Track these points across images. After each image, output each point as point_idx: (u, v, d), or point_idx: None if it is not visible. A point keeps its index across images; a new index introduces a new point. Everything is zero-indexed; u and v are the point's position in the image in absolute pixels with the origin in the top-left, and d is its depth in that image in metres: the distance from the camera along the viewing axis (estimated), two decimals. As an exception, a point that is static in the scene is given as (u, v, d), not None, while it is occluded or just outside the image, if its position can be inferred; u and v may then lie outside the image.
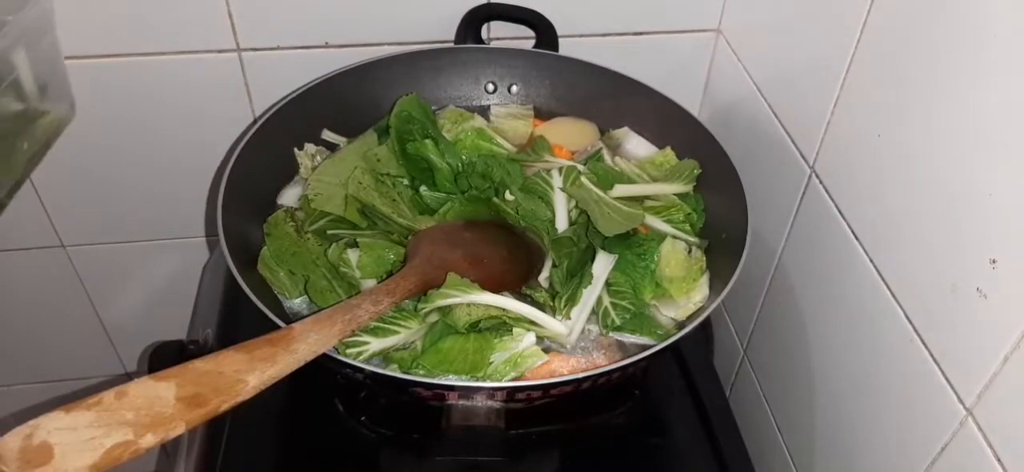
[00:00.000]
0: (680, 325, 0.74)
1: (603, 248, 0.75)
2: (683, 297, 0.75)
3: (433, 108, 0.89)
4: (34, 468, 0.44)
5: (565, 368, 0.69)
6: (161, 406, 0.49)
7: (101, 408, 0.48)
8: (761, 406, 0.92)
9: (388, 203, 0.77)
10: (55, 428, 0.46)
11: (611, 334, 0.72)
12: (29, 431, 0.45)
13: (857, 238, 0.70)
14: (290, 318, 0.72)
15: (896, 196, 0.64)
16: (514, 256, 0.76)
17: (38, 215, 1.03)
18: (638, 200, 0.81)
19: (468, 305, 0.68)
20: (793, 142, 0.80)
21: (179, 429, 0.49)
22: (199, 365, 0.53)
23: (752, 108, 0.89)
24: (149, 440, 0.48)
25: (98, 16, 0.87)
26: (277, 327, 0.60)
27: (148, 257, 1.13)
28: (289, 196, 0.83)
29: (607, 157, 0.86)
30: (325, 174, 0.79)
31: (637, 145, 0.90)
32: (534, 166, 0.82)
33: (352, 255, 0.74)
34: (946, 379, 0.59)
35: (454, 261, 0.71)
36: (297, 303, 0.74)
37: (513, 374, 0.67)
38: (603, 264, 0.73)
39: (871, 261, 0.68)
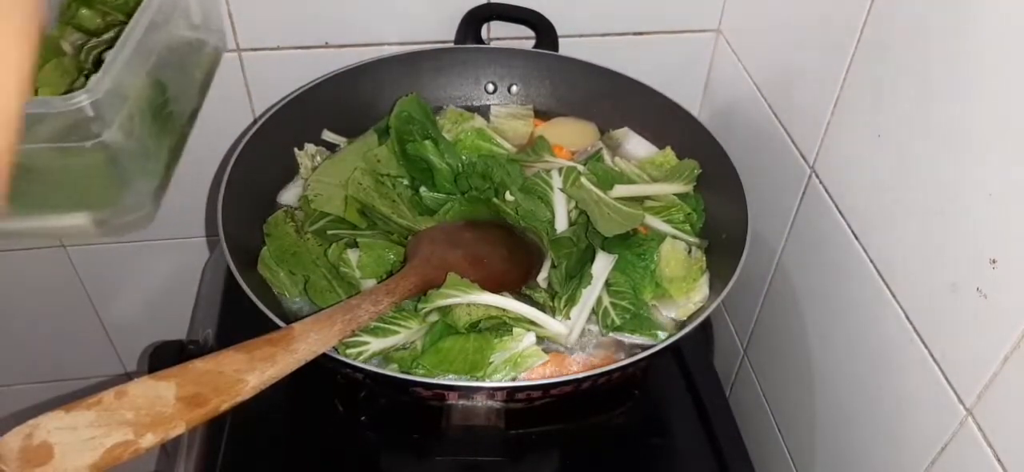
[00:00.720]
0: (680, 325, 0.74)
1: (603, 248, 0.75)
2: (683, 297, 0.75)
3: (433, 108, 0.89)
4: (34, 467, 0.44)
5: (565, 368, 0.69)
6: (161, 406, 0.49)
7: (101, 408, 0.48)
8: (761, 406, 0.92)
9: (388, 204, 0.77)
10: (55, 427, 0.46)
11: (611, 334, 0.72)
12: (29, 430, 0.45)
13: (857, 238, 0.70)
14: (290, 318, 0.72)
15: (896, 196, 0.64)
16: (514, 256, 0.76)
17: (38, 215, 1.03)
18: (638, 200, 0.81)
19: (468, 305, 0.68)
20: (793, 142, 0.80)
21: (179, 429, 0.49)
22: (199, 365, 0.53)
23: (752, 108, 0.89)
24: (149, 440, 0.48)
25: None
26: (277, 327, 0.60)
27: (148, 257, 1.13)
28: (289, 196, 0.83)
29: (607, 157, 0.86)
30: (325, 175, 0.79)
31: (637, 145, 0.90)
32: (534, 166, 0.82)
33: (352, 255, 0.74)
34: (946, 379, 0.59)
35: (454, 261, 0.71)
36: (297, 303, 0.74)
37: (513, 374, 0.67)
38: (603, 264, 0.73)
39: (871, 261, 0.68)
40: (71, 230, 0.66)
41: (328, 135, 0.89)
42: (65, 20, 0.78)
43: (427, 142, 0.80)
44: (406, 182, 0.81)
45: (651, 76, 0.90)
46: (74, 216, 0.66)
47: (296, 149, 0.86)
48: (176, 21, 0.74)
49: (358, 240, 0.74)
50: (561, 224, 0.78)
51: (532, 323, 0.69)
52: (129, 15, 0.68)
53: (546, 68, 0.94)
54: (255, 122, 0.83)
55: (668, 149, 0.88)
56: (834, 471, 0.77)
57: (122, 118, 0.62)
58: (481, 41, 0.94)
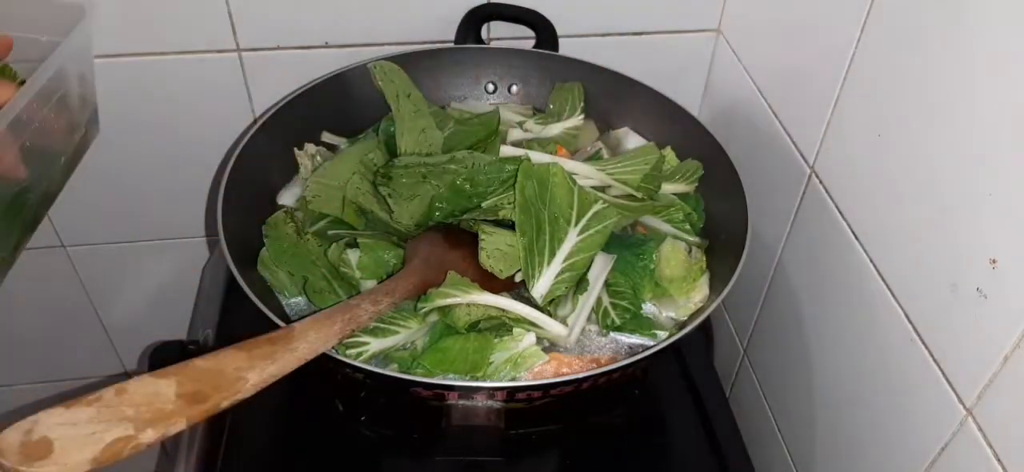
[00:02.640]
0: (680, 325, 0.74)
1: (602, 249, 0.75)
2: (683, 297, 0.75)
3: (437, 108, 0.89)
4: (33, 462, 0.44)
5: (565, 368, 0.69)
6: (161, 402, 0.49)
7: (101, 404, 0.48)
8: (761, 406, 0.92)
9: (385, 208, 0.77)
10: (55, 423, 0.46)
11: (611, 334, 0.72)
12: (29, 426, 0.45)
13: (857, 238, 0.70)
14: (290, 318, 0.72)
15: (896, 196, 0.64)
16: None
17: (38, 215, 1.03)
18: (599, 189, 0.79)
19: (468, 305, 0.68)
20: (793, 142, 0.80)
21: (180, 425, 0.49)
22: (200, 363, 0.53)
23: (752, 108, 0.89)
24: (150, 435, 0.48)
25: (97, 16, 0.87)
26: (277, 327, 0.60)
27: (148, 257, 1.13)
28: (289, 196, 0.83)
29: (607, 157, 0.86)
30: (324, 176, 0.79)
31: (637, 145, 0.90)
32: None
33: (352, 255, 0.74)
34: (946, 379, 0.59)
35: (453, 261, 0.71)
36: (297, 303, 0.74)
37: (513, 374, 0.67)
38: (601, 265, 0.73)
39: (871, 261, 0.68)
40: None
41: (328, 136, 0.89)
42: None
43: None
44: None
45: (651, 76, 0.90)
46: None
47: (296, 149, 0.86)
48: (48, 112, 0.70)
49: (358, 240, 0.74)
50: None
51: (532, 324, 0.69)
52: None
53: (546, 68, 0.94)
54: (255, 122, 0.83)
55: (668, 149, 0.88)
56: (834, 471, 0.77)
57: None
58: (481, 41, 0.94)
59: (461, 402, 0.68)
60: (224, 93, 0.95)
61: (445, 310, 0.68)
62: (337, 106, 0.88)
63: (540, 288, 0.69)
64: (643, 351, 0.67)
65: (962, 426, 0.58)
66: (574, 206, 0.71)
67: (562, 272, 0.70)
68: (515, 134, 0.88)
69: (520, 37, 0.95)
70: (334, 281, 0.73)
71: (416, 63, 0.91)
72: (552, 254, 0.70)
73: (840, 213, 0.72)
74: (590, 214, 0.71)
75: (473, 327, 0.69)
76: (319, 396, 0.78)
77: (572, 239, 0.71)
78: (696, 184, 0.85)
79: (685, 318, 0.74)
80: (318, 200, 0.77)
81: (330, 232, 0.78)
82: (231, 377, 0.53)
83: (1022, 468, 0.53)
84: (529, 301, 0.71)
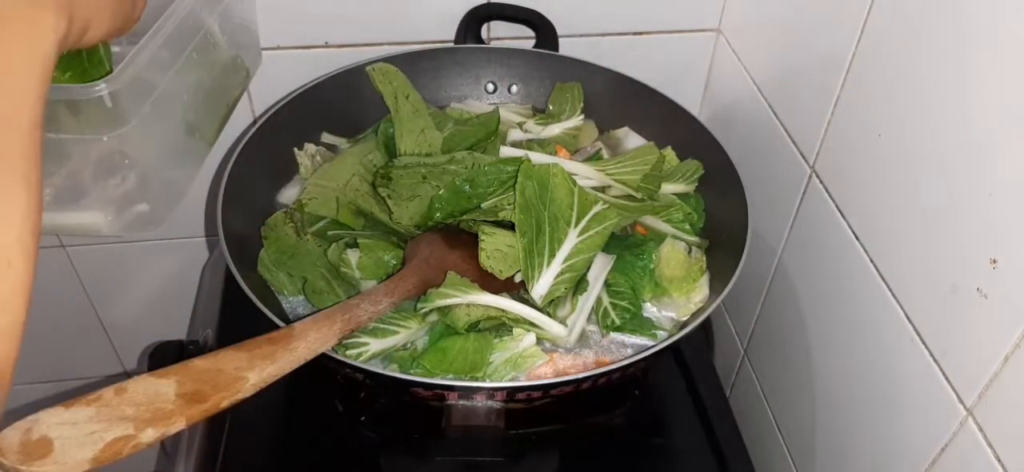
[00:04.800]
0: (680, 325, 0.74)
1: (602, 249, 0.75)
2: (683, 297, 0.75)
3: (436, 108, 0.89)
4: (33, 461, 0.44)
5: (565, 368, 0.69)
6: (161, 402, 0.49)
7: (101, 404, 0.48)
8: (761, 406, 0.92)
9: (385, 209, 0.77)
10: (55, 423, 0.46)
11: (611, 334, 0.72)
12: (29, 425, 0.46)
13: (857, 238, 0.70)
14: (290, 318, 0.72)
15: (896, 196, 0.64)
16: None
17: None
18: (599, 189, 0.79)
19: (467, 305, 0.68)
20: (793, 142, 0.80)
21: (180, 424, 0.49)
22: (199, 363, 0.53)
23: (752, 108, 0.89)
24: (150, 434, 0.48)
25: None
26: (277, 327, 0.60)
27: (148, 257, 1.13)
28: (289, 196, 0.83)
29: (606, 157, 0.86)
30: (322, 178, 0.79)
31: (637, 145, 0.90)
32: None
33: (352, 256, 0.74)
34: (946, 379, 0.59)
35: (453, 261, 0.71)
36: (296, 302, 0.74)
37: (513, 374, 0.67)
38: (601, 265, 0.73)
39: (871, 261, 0.68)
40: (85, 227, 0.67)
41: (327, 137, 0.89)
42: None
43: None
44: None
45: (651, 76, 0.90)
46: (90, 213, 0.66)
47: (296, 149, 0.86)
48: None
49: (358, 241, 0.74)
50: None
51: (531, 324, 0.69)
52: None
53: (546, 68, 0.94)
54: (255, 122, 0.83)
55: (669, 149, 0.88)
56: (834, 471, 0.77)
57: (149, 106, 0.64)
58: (481, 41, 0.94)
59: (461, 402, 0.68)
60: (224, 93, 0.95)
61: (445, 310, 0.68)
62: (337, 106, 0.88)
63: (540, 289, 0.69)
64: (643, 351, 0.67)
65: (962, 426, 0.57)
66: (574, 207, 0.71)
67: (562, 272, 0.70)
68: (515, 134, 0.88)
69: (520, 37, 0.95)
70: (334, 281, 0.73)
71: (416, 63, 0.91)
72: (552, 255, 0.70)
73: (840, 213, 0.72)
74: (590, 215, 0.71)
75: (473, 327, 0.69)
76: (319, 396, 0.78)
77: (572, 240, 0.71)
78: (696, 184, 0.85)
79: (685, 318, 0.74)
80: (314, 203, 0.77)
81: (330, 232, 0.78)
82: (231, 377, 0.53)
83: (1022, 468, 0.53)
84: (529, 301, 0.71)
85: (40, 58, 0.41)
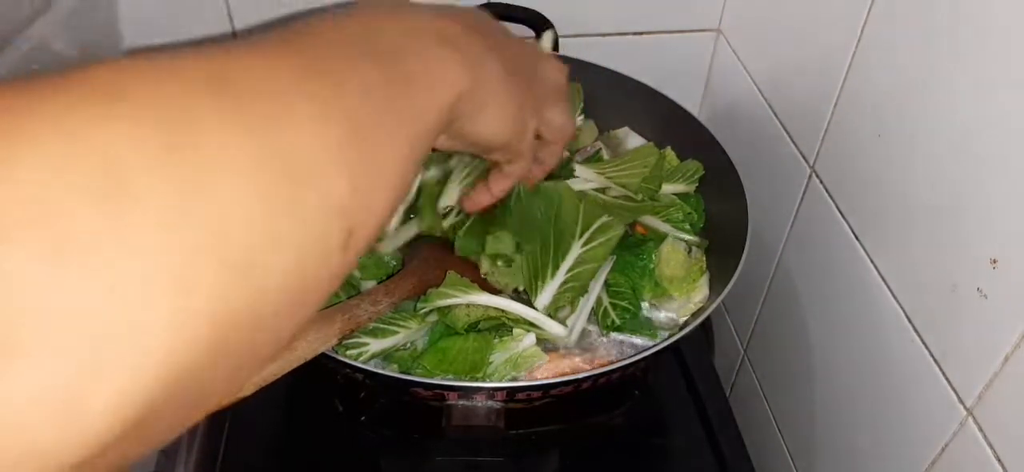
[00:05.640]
0: (680, 325, 0.74)
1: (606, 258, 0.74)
2: (683, 297, 0.75)
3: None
4: None
5: (565, 368, 0.69)
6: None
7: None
8: (761, 406, 0.92)
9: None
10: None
11: (611, 334, 0.72)
12: None
13: (857, 238, 0.70)
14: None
15: (896, 196, 0.64)
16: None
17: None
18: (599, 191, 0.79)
19: (467, 305, 0.68)
20: (793, 142, 0.80)
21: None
22: (199, 363, 0.53)
23: (752, 108, 0.89)
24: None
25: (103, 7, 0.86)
26: (277, 326, 0.60)
27: (148, 257, 1.12)
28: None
29: (606, 157, 0.86)
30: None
31: (637, 145, 0.90)
32: None
33: (352, 255, 0.74)
34: (946, 379, 0.59)
35: (453, 261, 0.71)
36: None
37: (513, 374, 0.67)
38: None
39: (871, 261, 0.68)
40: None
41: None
42: None
43: None
44: None
45: (651, 76, 0.90)
46: None
47: (296, 149, 0.85)
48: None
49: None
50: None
51: (531, 324, 0.69)
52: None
53: (546, 68, 0.94)
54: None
55: (668, 149, 0.88)
56: (834, 471, 0.77)
57: None
58: (481, 41, 0.94)
59: (461, 402, 0.68)
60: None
61: (445, 310, 0.68)
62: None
63: (542, 300, 0.69)
64: (643, 351, 0.67)
65: (962, 426, 0.57)
66: (579, 222, 0.71)
67: (566, 283, 0.70)
68: None
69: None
70: (333, 281, 0.73)
71: (416, 63, 0.90)
72: (555, 267, 0.70)
73: (840, 213, 0.72)
74: (595, 226, 0.71)
75: (473, 327, 0.69)
76: (319, 396, 0.78)
77: (576, 251, 0.70)
78: (696, 184, 0.84)
79: (685, 318, 0.74)
80: None
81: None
82: (231, 377, 0.53)
83: (1022, 468, 0.53)
84: (529, 302, 0.71)
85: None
